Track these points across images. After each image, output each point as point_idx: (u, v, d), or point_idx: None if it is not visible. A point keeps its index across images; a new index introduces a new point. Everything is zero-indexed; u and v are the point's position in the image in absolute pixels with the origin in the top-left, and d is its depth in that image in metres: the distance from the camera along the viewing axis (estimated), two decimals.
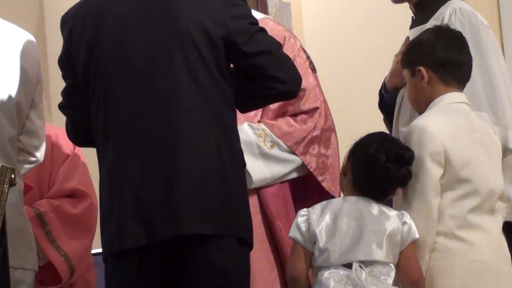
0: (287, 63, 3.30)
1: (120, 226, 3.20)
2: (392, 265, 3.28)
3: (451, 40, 3.52)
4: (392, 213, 3.35)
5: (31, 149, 3.63)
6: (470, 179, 3.34)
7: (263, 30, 3.30)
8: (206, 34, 3.22)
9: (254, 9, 4.06)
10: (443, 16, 3.84)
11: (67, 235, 3.96)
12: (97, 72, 3.25)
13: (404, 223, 3.32)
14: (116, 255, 3.22)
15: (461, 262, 3.32)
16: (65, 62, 3.34)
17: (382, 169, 3.30)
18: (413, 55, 3.52)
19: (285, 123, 3.93)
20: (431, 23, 3.79)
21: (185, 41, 3.23)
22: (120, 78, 3.25)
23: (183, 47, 3.23)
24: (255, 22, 3.31)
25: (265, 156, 3.87)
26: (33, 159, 3.68)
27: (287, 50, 3.79)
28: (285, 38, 3.93)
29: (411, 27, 3.93)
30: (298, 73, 3.32)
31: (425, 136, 3.35)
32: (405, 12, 4.06)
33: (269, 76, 3.24)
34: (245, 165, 3.36)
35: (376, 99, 3.99)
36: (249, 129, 3.88)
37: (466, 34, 3.64)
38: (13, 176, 3.12)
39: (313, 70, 4.01)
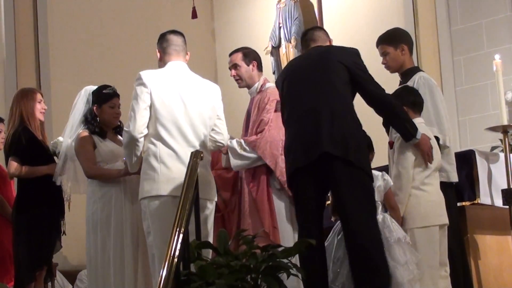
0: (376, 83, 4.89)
1: (293, 156, 4.95)
2: (379, 202, 4.91)
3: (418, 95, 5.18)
4: (378, 173, 4.93)
5: (217, 139, 5.28)
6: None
7: (365, 71, 4.92)
8: (342, 67, 4.94)
9: None
10: (414, 80, 5.37)
11: (223, 189, 5.67)
12: (286, 92, 5.13)
13: (384, 179, 4.93)
14: (295, 170, 4.89)
15: (423, 200, 4.94)
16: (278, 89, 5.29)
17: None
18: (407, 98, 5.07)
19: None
20: (409, 84, 5.35)
21: (330, 70, 4.95)
22: (293, 95, 5.07)
23: (328, 74, 4.95)
24: (363, 67, 4.93)
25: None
26: (219, 144, 5.32)
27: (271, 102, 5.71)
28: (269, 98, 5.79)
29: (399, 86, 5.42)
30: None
31: None
32: None
33: (366, 90, 4.95)
34: (360, 125, 4.85)
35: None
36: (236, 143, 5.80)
37: (426, 89, 5.29)
38: (202, 155, 4.71)
39: (276, 111, 5.75)
